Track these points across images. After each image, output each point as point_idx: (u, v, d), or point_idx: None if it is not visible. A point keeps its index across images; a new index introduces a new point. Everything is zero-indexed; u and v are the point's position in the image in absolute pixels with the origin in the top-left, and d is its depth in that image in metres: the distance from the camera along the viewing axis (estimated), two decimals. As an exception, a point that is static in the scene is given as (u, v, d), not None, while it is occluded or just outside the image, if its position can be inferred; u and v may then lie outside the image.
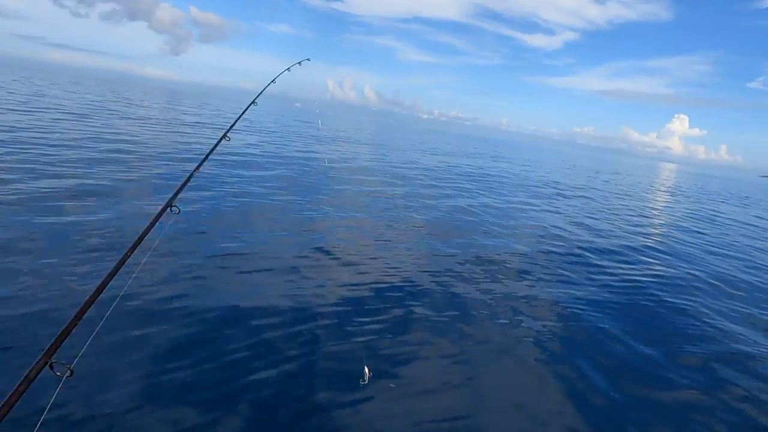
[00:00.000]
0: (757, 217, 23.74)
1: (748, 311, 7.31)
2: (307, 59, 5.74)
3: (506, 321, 5.54)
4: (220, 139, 3.62)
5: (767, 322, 6.93)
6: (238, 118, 4.22)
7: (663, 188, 37.35)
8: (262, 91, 4.80)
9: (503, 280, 7.04)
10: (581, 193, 21.73)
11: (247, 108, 4.49)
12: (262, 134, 26.43)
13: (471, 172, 23.87)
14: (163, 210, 2.36)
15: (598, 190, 25.38)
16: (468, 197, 14.85)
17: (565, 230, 11.64)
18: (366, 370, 3.10)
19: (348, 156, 23.13)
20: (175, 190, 2.54)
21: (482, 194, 16.08)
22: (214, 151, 3.33)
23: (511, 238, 9.96)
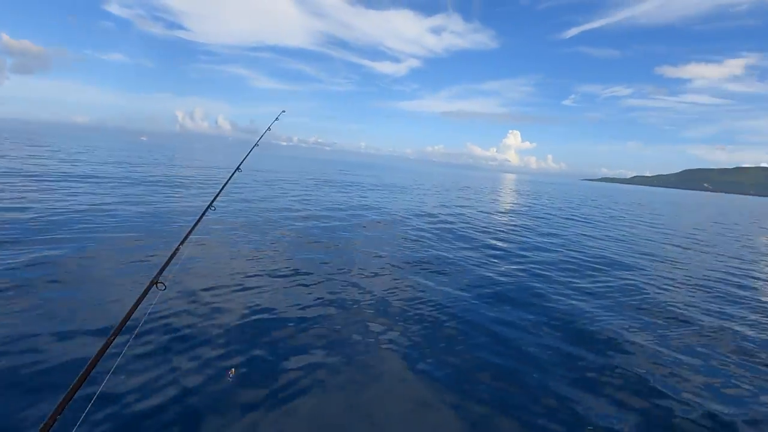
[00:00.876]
0: (584, 214, 28.49)
1: (582, 284, 9.08)
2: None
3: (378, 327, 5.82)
4: (206, 210, 3.87)
5: (595, 291, 8.75)
6: (225, 185, 4.53)
7: (508, 193, 42.84)
8: (261, 136, 5.03)
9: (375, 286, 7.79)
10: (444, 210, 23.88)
11: (232, 174, 5.09)
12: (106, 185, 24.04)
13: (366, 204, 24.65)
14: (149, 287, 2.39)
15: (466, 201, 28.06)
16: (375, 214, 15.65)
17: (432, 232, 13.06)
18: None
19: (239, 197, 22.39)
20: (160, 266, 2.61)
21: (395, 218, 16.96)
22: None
23: (391, 247, 10.98)
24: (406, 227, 14.29)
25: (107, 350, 1.83)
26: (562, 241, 14.50)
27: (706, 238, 19.68)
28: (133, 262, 7.49)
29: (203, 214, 3.70)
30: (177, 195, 16.61)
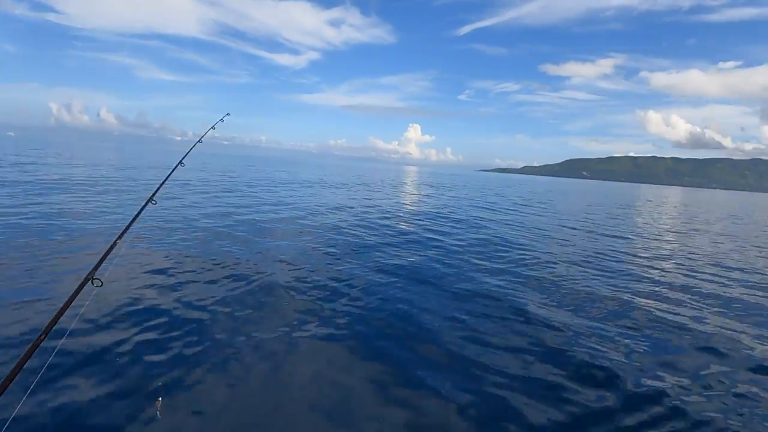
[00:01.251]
0: (487, 201, 30.30)
1: (486, 263, 9.77)
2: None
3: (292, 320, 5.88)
4: (146, 203, 3.63)
5: (496, 267, 9.55)
6: (166, 179, 4.36)
7: (410, 184, 44.50)
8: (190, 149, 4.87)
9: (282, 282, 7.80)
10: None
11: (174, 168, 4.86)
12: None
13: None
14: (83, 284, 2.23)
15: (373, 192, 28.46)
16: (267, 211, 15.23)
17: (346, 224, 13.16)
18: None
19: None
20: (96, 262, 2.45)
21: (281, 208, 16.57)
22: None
23: (294, 238, 10.90)
24: (323, 220, 14.44)
25: (34, 352, 1.71)
26: (469, 226, 15.55)
27: (592, 219, 22.00)
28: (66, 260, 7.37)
29: (143, 209, 3.52)
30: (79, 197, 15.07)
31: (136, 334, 4.88)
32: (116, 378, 4.00)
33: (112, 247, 2.74)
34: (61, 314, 1.95)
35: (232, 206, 15.89)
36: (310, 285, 7.21)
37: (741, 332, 6.59)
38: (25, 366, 1.62)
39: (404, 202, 24.68)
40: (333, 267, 8.47)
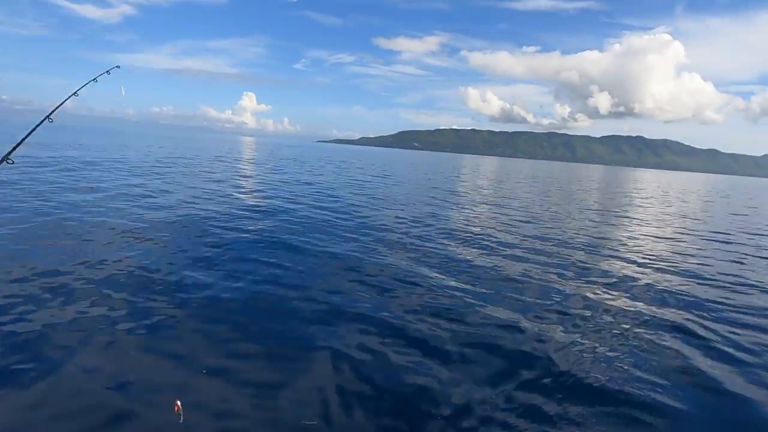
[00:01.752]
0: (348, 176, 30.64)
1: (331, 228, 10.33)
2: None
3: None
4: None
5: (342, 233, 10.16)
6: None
7: (246, 159, 42.89)
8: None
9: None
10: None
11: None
12: None
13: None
14: None
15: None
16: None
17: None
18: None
19: None
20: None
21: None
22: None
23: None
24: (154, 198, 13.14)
25: None
26: (288, 195, 15.91)
27: (427, 185, 24.01)
28: None
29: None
30: None
31: None
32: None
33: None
34: None
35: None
36: (161, 261, 6.73)
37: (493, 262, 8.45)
38: None
39: (249, 175, 23.82)
40: (180, 241, 8.00)
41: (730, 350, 5.56)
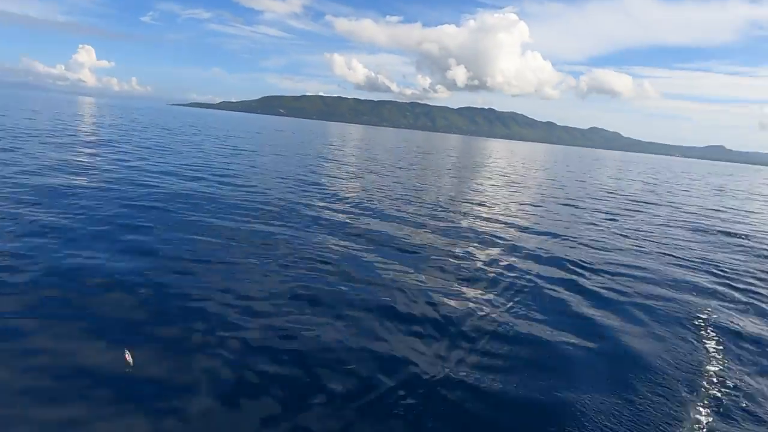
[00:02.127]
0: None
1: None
2: None
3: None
4: None
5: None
6: None
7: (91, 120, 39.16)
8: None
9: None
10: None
11: None
12: None
13: None
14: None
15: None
16: None
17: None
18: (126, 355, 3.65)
19: None
20: None
21: None
22: None
23: None
24: None
25: None
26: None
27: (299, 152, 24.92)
28: None
29: None
30: None
31: None
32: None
33: None
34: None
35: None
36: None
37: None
38: None
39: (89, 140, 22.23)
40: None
41: (605, 293, 7.53)
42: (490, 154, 58.89)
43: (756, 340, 6.12)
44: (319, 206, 12.09)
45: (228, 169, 17.74)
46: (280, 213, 10.77)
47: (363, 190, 15.73)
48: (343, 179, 18.31)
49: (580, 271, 8.43)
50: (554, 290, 7.31)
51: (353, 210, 11.82)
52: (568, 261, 9.06)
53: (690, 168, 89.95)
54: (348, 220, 10.69)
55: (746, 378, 5.15)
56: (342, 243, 8.87)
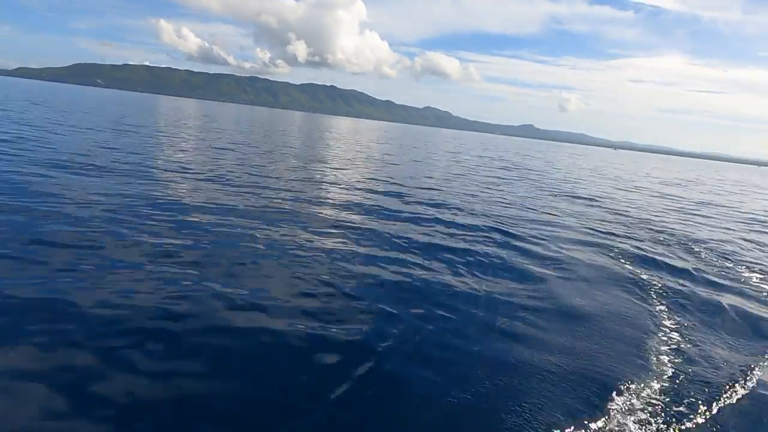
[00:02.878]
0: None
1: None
2: None
3: None
4: None
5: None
6: None
7: None
8: None
9: None
10: None
11: None
12: None
13: None
14: None
15: None
16: None
17: None
18: None
19: None
20: None
21: None
22: None
23: None
24: None
25: None
26: None
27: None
28: None
29: None
30: None
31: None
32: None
33: None
34: None
35: None
36: None
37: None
38: None
39: None
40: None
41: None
42: (348, 134, 60.01)
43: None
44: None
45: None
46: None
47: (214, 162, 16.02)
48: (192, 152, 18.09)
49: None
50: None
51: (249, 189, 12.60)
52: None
53: (509, 146, 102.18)
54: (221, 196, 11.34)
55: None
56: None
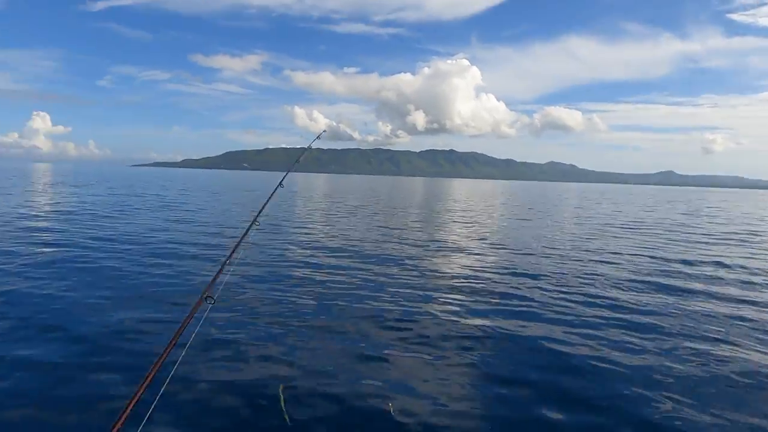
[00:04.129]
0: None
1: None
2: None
3: None
4: (251, 225, 3.83)
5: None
6: (267, 202, 4.58)
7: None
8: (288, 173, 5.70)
9: None
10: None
11: (274, 191, 5.29)
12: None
13: None
14: (200, 301, 2.35)
15: None
16: None
17: None
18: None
19: None
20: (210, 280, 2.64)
21: None
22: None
23: None
24: None
25: (162, 362, 1.92)
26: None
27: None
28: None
29: (248, 230, 3.83)
30: None
31: (251, 345, 5.50)
32: (240, 385, 4.51)
33: (222, 267, 2.94)
34: (181, 330, 2.12)
35: None
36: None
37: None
38: (152, 376, 1.83)
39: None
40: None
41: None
42: (466, 196, 54.24)
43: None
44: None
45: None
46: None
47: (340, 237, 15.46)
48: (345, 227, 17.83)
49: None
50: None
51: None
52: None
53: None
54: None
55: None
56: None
